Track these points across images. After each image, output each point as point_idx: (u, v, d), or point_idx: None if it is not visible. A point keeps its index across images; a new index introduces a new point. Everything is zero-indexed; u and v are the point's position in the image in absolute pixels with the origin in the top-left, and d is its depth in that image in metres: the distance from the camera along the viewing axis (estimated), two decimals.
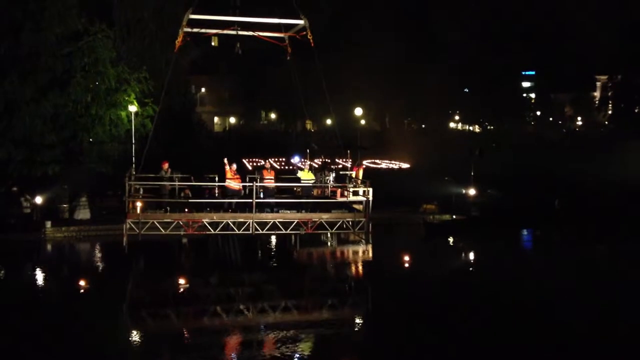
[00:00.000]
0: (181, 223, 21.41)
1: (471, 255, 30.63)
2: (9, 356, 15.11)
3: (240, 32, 22.24)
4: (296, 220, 21.73)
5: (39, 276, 25.39)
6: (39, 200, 32.93)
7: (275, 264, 27.93)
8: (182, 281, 21.64)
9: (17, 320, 17.94)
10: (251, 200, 21.08)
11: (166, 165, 23.48)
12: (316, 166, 33.33)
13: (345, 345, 16.14)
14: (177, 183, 23.05)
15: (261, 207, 21.59)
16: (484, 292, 21.64)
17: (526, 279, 23.96)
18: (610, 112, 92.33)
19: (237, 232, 21.64)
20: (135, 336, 17.04)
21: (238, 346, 15.84)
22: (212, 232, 21.75)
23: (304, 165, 25.96)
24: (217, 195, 23.85)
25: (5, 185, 34.04)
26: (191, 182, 23.68)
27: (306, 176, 23.73)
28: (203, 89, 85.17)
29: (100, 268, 27.22)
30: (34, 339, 16.28)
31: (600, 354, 16.03)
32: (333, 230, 22.47)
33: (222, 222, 21.36)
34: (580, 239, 33.71)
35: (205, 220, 21.32)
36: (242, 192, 22.45)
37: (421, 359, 15.21)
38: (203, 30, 23.12)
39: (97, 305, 19.68)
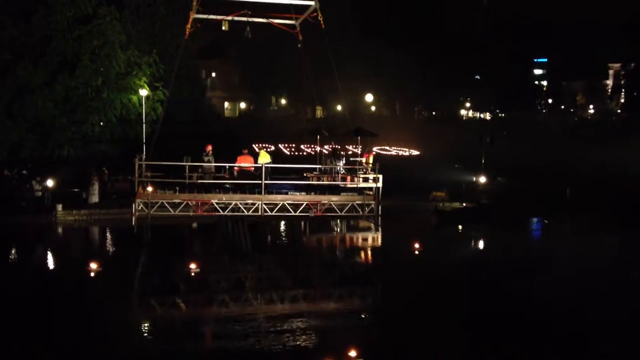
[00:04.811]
0: (190, 204, 21.45)
1: (485, 245, 30.14)
2: (18, 339, 15.20)
3: (251, 19, 22.16)
4: (305, 203, 21.73)
5: (50, 259, 25.55)
6: (50, 183, 33.11)
7: (284, 251, 27.69)
8: (190, 267, 21.61)
9: (26, 304, 18.01)
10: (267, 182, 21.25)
11: (209, 148, 23.72)
12: (326, 152, 33.31)
13: (353, 336, 15.86)
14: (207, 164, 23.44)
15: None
16: (498, 283, 21.01)
17: (542, 270, 23.35)
18: (622, 100, 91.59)
19: (246, 213, 21.69)
20: (141, 323, 16.95)
21: (243, 335, 15.69)
22: (221, 213, 21.78)
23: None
24: (227, 177, 24.02)
25: (16, 167, 34.18)
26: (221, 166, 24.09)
27: (263, 158, 24.10)
28: (213, 74, 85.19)
29: (111, 252, 27.30)
30: (42, 323, 16.33)
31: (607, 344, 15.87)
32: (342, 213, 22.37)
33: (231, 203, 21.39)
34: (592, 228, 33.45)
35: (214, 201, 21.36)
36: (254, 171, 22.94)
37: (430, 351, 14.99)
38: (212, 17, 23.08)
39: (106, 290, 19.66)
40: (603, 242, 29.47)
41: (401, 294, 19.91)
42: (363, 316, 18.05)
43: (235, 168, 23.39)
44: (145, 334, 16.29)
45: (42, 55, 35.00)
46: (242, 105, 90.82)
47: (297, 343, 14.97)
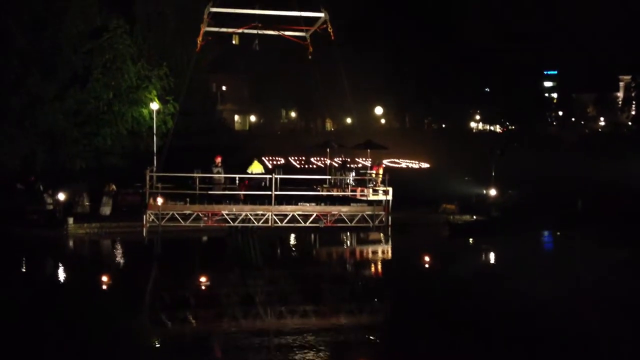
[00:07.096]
0: (201, 215, 21.49)
1: (496, 258, 29.65)
2: (27, 351, 15.19)
3: (262, 32, 22.27)
4: (315, 213, 21.71)
5: (60, 272, 25.55)
6: (61, 196, 33.22)
7: (293, 264, 27.39)
8: (200, 281, 21.51)
9: (34, 317, 18.00)
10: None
11: (219, 160, 23.86)
12: (336, 165, 33.27)
13: (364, 352, 15.69)
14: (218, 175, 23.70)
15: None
16: (511, 298, 20.61)
17: (554, 284, 22.87)
18: (633, 112, 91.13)
19: (257, 224, 21.69)
20: (150, 337, 16.85)
21: (253, 350, 15.55)
22: (232, 224, 21.80)
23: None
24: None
25: (26, 180, 34.31)
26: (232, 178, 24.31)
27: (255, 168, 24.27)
28: (224, 87, 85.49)
29: (121, 265, 27.25)
30: (50, 336, 16.30)
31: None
32: (352, 224, 22.28)
33: (242, 214, 21.42)
34: (602, 241, 33.04)
35: (225, 212, 21.40)
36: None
37: None
38: (224, 30, 23.20)
39: (116, 304, 19.57)
40: (613, 256, 29.12)
41: (412, 308, 19.70)
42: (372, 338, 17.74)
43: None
44: (155, 349, 16.19)
45: (53, 68, 35.33)
46: (252, 118, 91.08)
47: (307, 358, 14.84)
